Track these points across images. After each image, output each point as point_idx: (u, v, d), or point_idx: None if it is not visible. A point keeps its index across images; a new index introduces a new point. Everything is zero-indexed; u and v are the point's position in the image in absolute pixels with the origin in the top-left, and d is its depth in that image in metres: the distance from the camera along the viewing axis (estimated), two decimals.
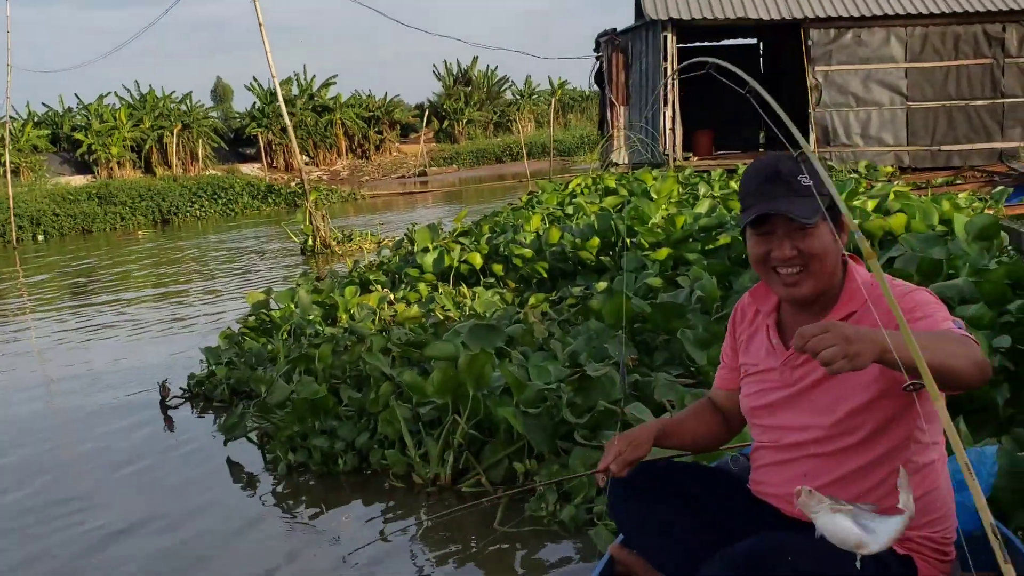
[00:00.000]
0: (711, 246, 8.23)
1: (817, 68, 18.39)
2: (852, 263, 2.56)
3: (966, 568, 2.95)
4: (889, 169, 16.92)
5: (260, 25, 19.24)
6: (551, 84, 60.87)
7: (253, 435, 6.39)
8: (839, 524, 2.11)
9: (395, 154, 53.88)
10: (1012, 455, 3.50)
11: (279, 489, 5.62)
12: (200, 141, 46.93)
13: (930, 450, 2.53)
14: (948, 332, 2.22)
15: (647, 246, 8.90)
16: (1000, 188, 12.48)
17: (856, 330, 2.01)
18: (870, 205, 8.16)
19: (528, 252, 9.59)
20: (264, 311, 8.82)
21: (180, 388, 7.87)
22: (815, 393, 2.53)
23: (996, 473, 3.23)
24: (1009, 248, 7.47)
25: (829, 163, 17.36)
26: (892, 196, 8.56)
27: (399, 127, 55.53)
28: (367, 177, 48.12)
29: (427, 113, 53.24)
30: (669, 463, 3.01)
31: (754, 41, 24.35)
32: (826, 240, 2.44)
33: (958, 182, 14.89)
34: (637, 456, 2.71)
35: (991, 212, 9.09)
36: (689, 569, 2.61)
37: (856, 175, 15.11)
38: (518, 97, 61.10)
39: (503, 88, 60.50)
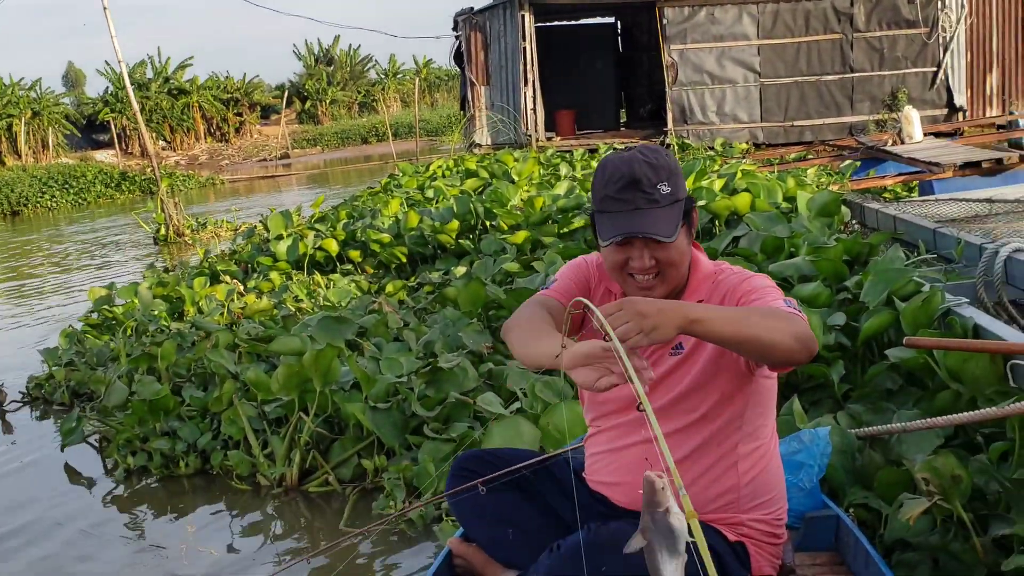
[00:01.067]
0: (567, 228, 8.25)
1: (673, 47, 18.58)
2: (695, 252, 2.54)
3: (800, 549, 2.99)
4: (744, 146, 17.26)
5: (104, 8, 18.45)
6: (416, 63, 60.37)
7: (93, 439, 6.12)
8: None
9: (256, 137, 52.67)
10: (844, 433, 3.56)
11: (118, 494, 5.39)
12: (51, 128, 45.08)
13: (761, 432, 2.53)
14: (773, 308, 2.23)
15: (506, 229, 8.87)
16: (848, 162, 12.87)
17: (654, 303, 1.99)
18: (717, 185, 8.28)
19: (386, 237, 9.45)
20: (107, 307, 8.45)
21: (19, 392, 7.48)
22: (657, 376, 2.50)
23: (829, 453, 3.27)
24: (852, 222, 7.70)
25: (686, 141, 17.64)
26: (739, 175, 8.71)
27: (259, 109, 54.29)
28: (227, 161, 46.85)
29: (287, 94, 52.19)
30: (508, 453, 2.97)
31: (612, 20, 24.53)
32: (682, 247, 2.41)
33: (809, 157, 15.29)
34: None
35: (836, 188, 9.34)
36: (527, 560, 2.59)
37: (712, 153, 15.38)
38: (383, 76, 60.37)
39: (367, 67, 59.67)
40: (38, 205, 31.24)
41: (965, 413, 3.25)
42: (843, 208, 7.22)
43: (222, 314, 7.72)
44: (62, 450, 6.06)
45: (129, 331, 7.68)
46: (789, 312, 2.21)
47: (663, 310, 1.98)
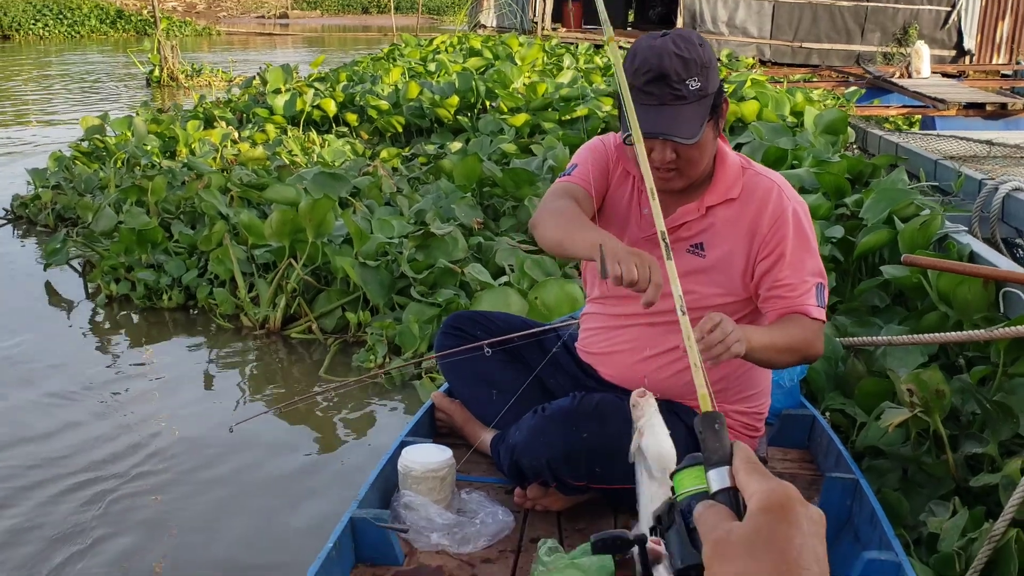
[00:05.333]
0: (569, 116, 8.18)
1: None
2: (721, 145, 2.49)
3: (773, 443, 3.06)
4: (750, 61, 17.06)
5: None
6: None
7: (76, 263, 6.10)
8: (660, 441, 2.06)
9: None
10: (830, 340, 3.61)
11: (98, 319, 5.39)
12: None
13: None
14: (805, 331, 2.35)
15: (506, 110, 8.79)
16: (853, 88, 12.75)
17: (732, 325, 2.14)
18: (727, 90, 8.19)
19: (384, 104, 9.34)
20: (98, 137, 8.33)
21: (3, 208, 7.42)
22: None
23: None
24: (854, 147, 7.68)
25: None
26: (749, 84, 8.63)
27: None
28: (225, 13, 45.88)
29: None
30: (500, 316, 2.99)
31: None
32: (706, 142, 2.36)
33: (814, 80, 15.13)
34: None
35: (843, 110, 9.28)
36: (507, 422, 2.63)
37: (718, 63, 15.18)
38: None
39: None
40: (30, 32, 30.60)
41: (954, 332, 3.29)
42: (848, 130, 7.19)
43: (215, 158, 7.64)
44: (45, 269, 6.04)
45: (120, 163, 7.59)
46: (812, 327, 2.34)
47: (739, 331, 2.13)
